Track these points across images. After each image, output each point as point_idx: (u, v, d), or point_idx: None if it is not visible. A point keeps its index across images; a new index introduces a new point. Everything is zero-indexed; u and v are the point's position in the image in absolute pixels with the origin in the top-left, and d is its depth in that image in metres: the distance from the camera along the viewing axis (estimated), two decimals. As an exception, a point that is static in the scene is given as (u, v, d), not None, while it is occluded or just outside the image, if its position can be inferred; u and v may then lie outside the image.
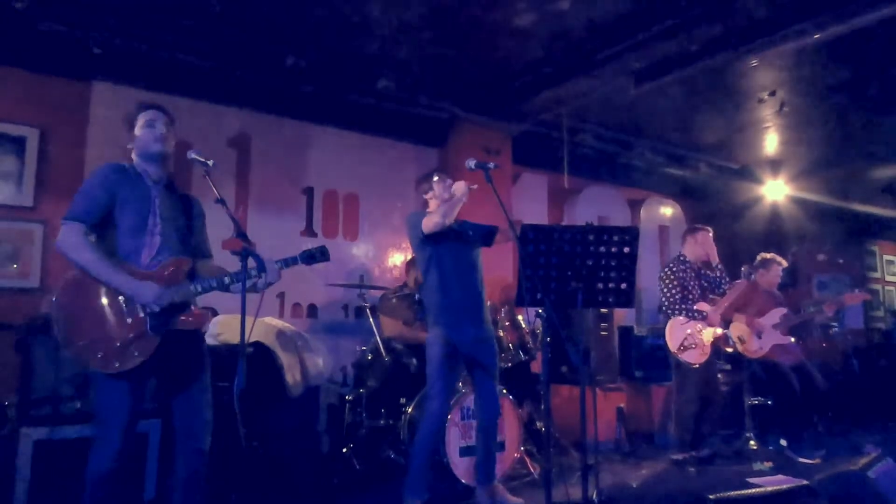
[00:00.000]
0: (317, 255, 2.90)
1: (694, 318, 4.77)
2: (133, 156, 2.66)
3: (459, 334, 3.49)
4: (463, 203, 3.43)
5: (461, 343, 3.49)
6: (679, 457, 4.76)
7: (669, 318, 4.86)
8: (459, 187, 3.42)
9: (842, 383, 6.73)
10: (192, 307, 2.63)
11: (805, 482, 3.32)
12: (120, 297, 2.43)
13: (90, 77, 4.54)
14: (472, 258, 3.64)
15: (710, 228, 5.05)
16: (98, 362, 2.37)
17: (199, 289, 2.58)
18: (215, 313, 3.59)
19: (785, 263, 5.45)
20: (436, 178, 3.65)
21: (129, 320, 2.43)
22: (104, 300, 2.42)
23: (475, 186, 3.45)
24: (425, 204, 3.76)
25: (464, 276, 3.55)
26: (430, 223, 3.40)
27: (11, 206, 4.27)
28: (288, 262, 2.76)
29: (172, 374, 2.58)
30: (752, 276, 4.96)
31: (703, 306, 4.79)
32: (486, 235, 3.76)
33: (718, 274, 4.94)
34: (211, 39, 4.50)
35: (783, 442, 5.14)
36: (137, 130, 2.61)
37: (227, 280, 2.61)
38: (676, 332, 4.80)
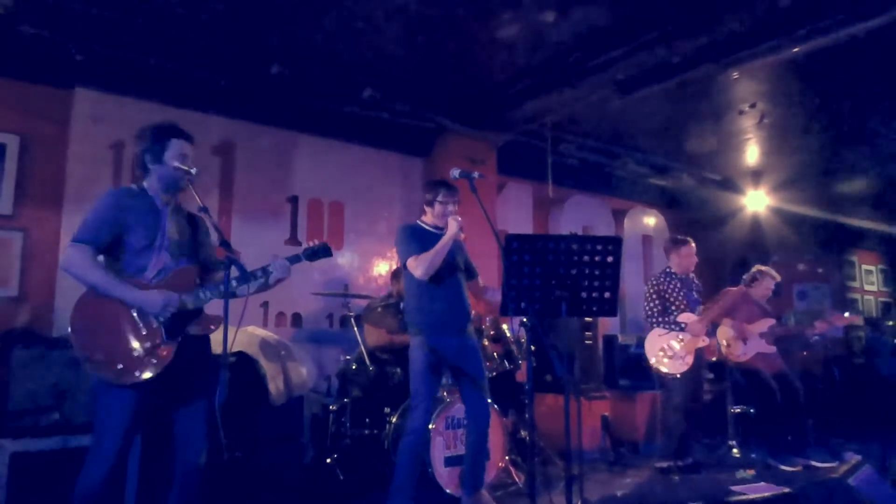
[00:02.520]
0: (319, 252, 2.94)
1: (671, 330, 4.81)
2: (150, 179, 2.66)
3: (442, 343, 3.48)
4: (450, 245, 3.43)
5: (445, 351, 3.48)
6: (664, 465, 4.77)
7: (651, 327, 4.91)
8: (452, 227, 3.40)
9: (822, 391, 6.81)
10: (203, 313, 2.65)
11: (787, 490, 3.36)
12: (132, 310, 2.48)
13: (72, 84, 4.50)
14: (457, 269, 3.63)
15: (691, 240, 5.09)
16: (119, 374, 2.39)
17: (208, 295, 2.60)
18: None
19: (778, 278, 5.53)
20: (440, 199, 3.59)
21: (144, 331, 2.47)
22: (117, 314, 2.46)
23: (464, 236, 3.49)
24: (422, 211, 3.75)
25: (448, 286, 3.55)
26: (415, 270, 3.42)
27: (-10, 213, 4.22)
28: (292, 260, 2.82)
29: (179, 382, 2.58)
30: (751, 283, 5.03)
31: (684, 317, 4.82)
32: (468, 273, 3.79)
33: (698, 290, 5.02)
34: (195, 47, 4.48)
35: (765, 457, 5.18)
36: (169, 158, 2.61)
37: (234, 284, 2.61)
38: (653, 344, 4.84)
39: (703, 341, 4.82)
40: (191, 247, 2.71)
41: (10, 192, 4.29)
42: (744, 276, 5.21)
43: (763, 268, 5.54)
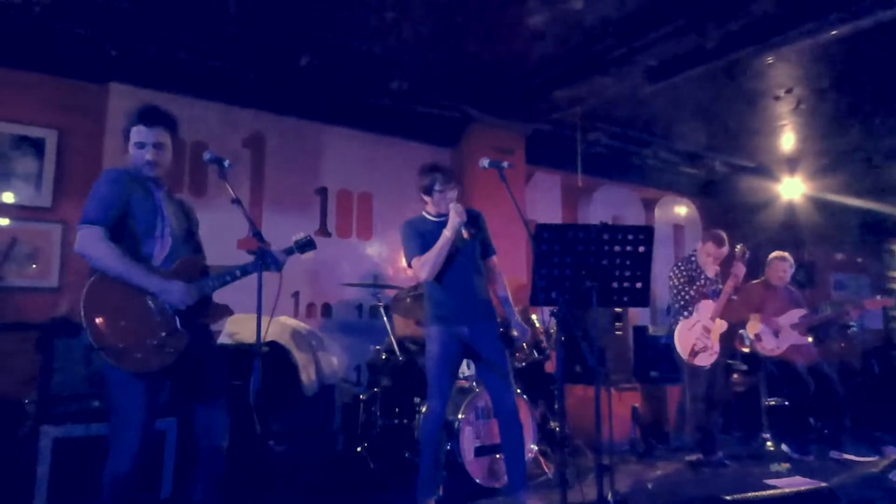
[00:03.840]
0: (306, 245, 2.93)
1: (691, 317, 4.74)
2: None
3: (454, 333, 3.38)
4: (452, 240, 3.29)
5: (457, 341, 3.39)
6: (692, 458, 4.73)
7: (678, 319, 4.83)
8: (452, 220, 3.25)
9: (861, 384, 6.65)
10: (212, 303, 2.68)
11: (823, 484, 3.29)
12: (147, 297, 2.45)
13: (107, 79, 4.59)
14: (464, 255, 3.45)
15: (721, 242, 4.88)
16: (137, 363, 2.38)
17: (217, 284, 2.63)
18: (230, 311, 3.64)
19: (784, 254, 5.35)
20: (438, 187, 3.42)
21: (159, 318, 2.47)
22: (131, 300, 2.43)
23: (467, 236, 3.31)
24: (423, 201, 3.58)
25: (456, 274, 3.41)
26: (419, 272, 3.33)
27: (31, 206, 4.34)
28: (288, 252, 2.86)
29: (192, 371, 2.60)
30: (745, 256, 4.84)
31: (704, 307, 4.75)
32: (484, 250, 3.58)
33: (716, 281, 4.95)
34: (226, 40, 4.53)
35: (784, 447, 5.08)
36: (129, 147, 2.59)
37: (238, 273, 2.65)
38: (686, 338, 4.73)
39: (723, 325, 4.73)
40: (188, 232, 2.72)
41: (50, 186, 4.40)
42: (736, 249, 5.02)
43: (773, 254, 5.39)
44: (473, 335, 3.42)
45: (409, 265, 3.43)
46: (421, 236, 3.39)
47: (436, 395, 3.37)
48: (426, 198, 3.51)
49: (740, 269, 4.68)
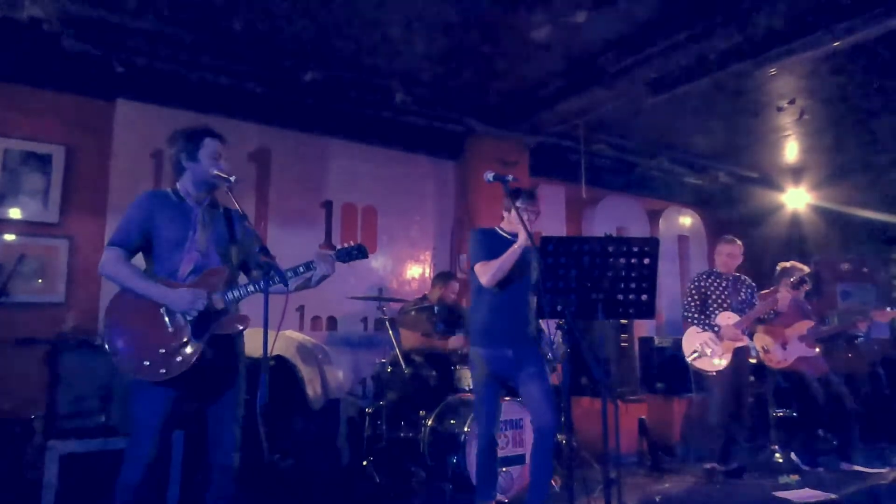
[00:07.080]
0: (353, 253, 2.95)
1: (705, 330, 4.76)
2: (184, 180, 2.69)
3: (497, 355, 3.41)
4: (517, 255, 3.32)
5: (499, 363, 3.42)
6: (708, 466, 4.71)
7: (688, 325, 4.86)
8: (521, 236, 3.23)
9: (869, 394, 6.60)
10: (231, 312, 2.66)
11: (833, 496, 3.26)
12: (161, 308, 2.51)
13: (114, 96, 4.64)
14: (522, 279, 3.48)
15: (735, 240, 4.97)
16: (145, 371, 2.45)
17: (236, 294, 2.62)
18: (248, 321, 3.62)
19: (792, 264, 5.34)
20: (519, 203, 3.39)
21: (171, 329, 2.51)
22: (147, 312, 2.51)
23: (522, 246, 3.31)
24: (502, 217, 3.67)
25: (510, 296, 3.44)
26: (481, 275, 3.38)
27: (38, 222, 4.36)
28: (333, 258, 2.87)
29: (208, 381, 2.60)
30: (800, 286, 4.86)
31: (722, 318, 4.74)
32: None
33: (749, 293, 4.91)
34: (231, 56, 4.58)
35: (793, 456, 5.04)
36: (203, 158, 2.66)
37: (261, 284, 2.57)
38: (691, 340, 4.81)
39: (742, 341, 4.73)
40: (225, 245, 2.71)
41: (57, 201, 4.44)
42: (791, 280, 5.02)
43: (786, 265, 5.35)
44: (518, 358, 3.41)
45: (473, 268, 3.46)
46: (490, 246, 3.42)
47: (479, 416, 3.46)
48: (505, 214, 3.57)
49: (785, 298, 4.71)
